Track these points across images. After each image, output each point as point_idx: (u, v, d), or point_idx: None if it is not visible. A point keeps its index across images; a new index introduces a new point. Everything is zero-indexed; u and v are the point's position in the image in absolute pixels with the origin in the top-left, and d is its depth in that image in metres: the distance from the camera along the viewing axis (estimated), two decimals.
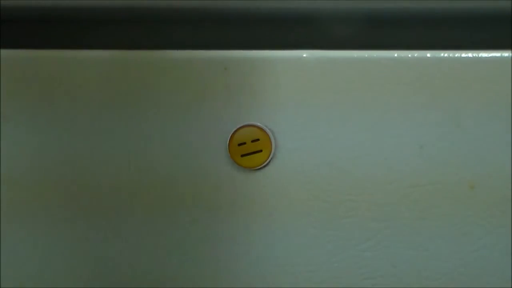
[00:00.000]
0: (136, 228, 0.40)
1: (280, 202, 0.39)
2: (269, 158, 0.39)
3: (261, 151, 0.39)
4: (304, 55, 0.39)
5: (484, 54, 0.38)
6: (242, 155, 0.39)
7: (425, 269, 0.39)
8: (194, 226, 0.39)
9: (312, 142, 0.39)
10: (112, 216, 0.40)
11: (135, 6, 0.42)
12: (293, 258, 0.39)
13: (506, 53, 0.38)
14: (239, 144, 0.39)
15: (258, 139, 0.39)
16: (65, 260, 0.40)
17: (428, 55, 0.38)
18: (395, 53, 0.38)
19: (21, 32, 0.43)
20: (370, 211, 0.39)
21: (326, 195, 0.39)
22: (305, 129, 0.39)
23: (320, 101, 0.38)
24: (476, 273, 0.39)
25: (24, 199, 0.40)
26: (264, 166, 0.39)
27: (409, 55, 0.38)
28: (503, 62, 0.38)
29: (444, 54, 0.38)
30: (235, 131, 0.39)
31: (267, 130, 0.38)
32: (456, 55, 0.38)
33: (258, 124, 0.39)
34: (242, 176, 0.39)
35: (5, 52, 0.39)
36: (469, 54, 0.38)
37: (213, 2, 0.42)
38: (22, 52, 0.39)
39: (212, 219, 0.39)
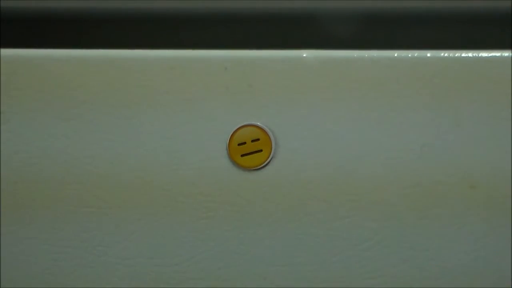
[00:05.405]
0: (136, 228, 0.40)
1: (280, 202, 0.39)
2: (269, 158, 0.39)
3: (261, 151, 0.39)
4: (304, 55, 0.39)
5: (484, 54, 0.38)
6: (242, 155, 0.39)
7: (425, 269, 0.39)
8: (193, 226, 0.39)
9: (312, 142, 0.39)
10: (112, 215, 0.40)
11: (135, 6, 0.42)
12: (293, 258, 0.39)
13: (506, 53, 0.38)
14: (239, 144, 0.39)
15: (258, 139, 0.39)
16: (67, 259, 0.40)
17: (428, 55, 0.38)
18: (395, 53, 0.38)
19: (21, 32, 0.43)
20: (370, 211, 0.39)
21: (326, 195, 0.39)
22: (305, 129, 0.39)
23: (320, 101, 0.38)
24: (476, 273, 0.39)
25: (25, 199, 0.40)
26: (264, 166, 0.39)
27: (409, 55, 0.38)
28: (503, 62, 0.38)
29: (444, 54, 0.38)
30: (235, 131, 0.39)
31: (267, 130, 0.38)
32: (456, 55, 0.38)
33: (258, 124, 0.39)
34: (242, 176, 0.39)
35: (5, 52, 0.39)
36: (469, 54, 0.38)
37: (213, 2, 0.42)
38: (22, 52, 0.39)
39: (211, 219, 0.39)
